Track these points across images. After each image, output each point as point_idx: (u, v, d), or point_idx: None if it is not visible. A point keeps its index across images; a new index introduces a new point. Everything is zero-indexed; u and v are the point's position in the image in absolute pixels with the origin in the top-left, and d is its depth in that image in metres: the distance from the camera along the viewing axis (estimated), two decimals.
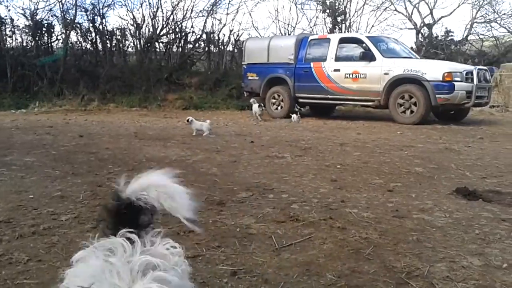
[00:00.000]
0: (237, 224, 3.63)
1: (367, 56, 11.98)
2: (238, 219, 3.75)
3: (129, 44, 20.91)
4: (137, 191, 1.40)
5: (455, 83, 10.79)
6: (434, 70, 11.17)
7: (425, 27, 22.76)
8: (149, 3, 20.50)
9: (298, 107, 13.89)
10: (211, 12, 20.63)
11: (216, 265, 2.87)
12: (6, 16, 18.50)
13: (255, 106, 12.85)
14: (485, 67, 12.41)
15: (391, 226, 3.59)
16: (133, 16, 20.11)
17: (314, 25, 22.64)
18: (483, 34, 23.01)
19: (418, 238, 3.34)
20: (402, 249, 3.13)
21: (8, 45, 18.45)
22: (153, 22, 19.86)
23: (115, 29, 20.17)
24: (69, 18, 18.89)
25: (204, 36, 20.78)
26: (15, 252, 2.98)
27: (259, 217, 3.82)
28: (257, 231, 3.49)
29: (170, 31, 20.33)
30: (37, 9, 18.60)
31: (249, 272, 2.78)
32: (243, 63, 15.23)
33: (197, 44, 21.12)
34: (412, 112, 11.24)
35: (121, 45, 20.52)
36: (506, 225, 3.61)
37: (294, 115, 12.10)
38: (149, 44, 19.86)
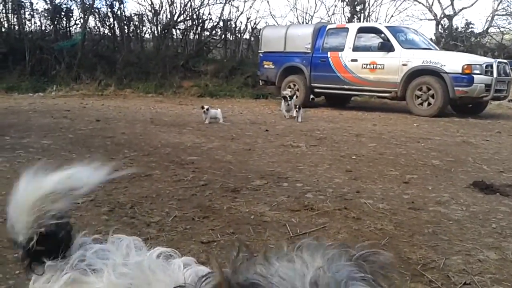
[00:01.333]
0: (252, 212, 3.63)
1: (386, 47, 11.84)
2: (252, 207, 3.76)
3: (146, 30, 20.97)
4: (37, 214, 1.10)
5: (474, 75, 10.62)
6: (453, 62, 11.00)
7: (445, 18, 22.41)
8: None
9: (312, 96, 13.69)
10: None
11: (230, 251, 2.87)
12: None
13: (283, 103, 10.73)
14: (505, 61, 12.18)
15: (406, 218, 3.57)
16: (151, 1, 20.08)
17: (333, 14, 22.57)
18: (504, 27, 22.63)
19: (434, 230, 3.31)
20: (418, 241, 3.11)
21: (27, 29, 18.59)
22: (170, 8, 19.86)
23: (133, 15, 20.23)
24: (87, 3, 18.96)
25: (221, 23, 20.73)
26: None
27: (273, 205, 3.82)
28: (271, 219, 3.49)
29: (187, 18, 20.29)
30: None
31: None
32: (259, 51, 15.17)
33: (214, 32, 21.07)
34: (429, 104, 11.10)
35: (138, 31, 20.56)
36: None
37: (295, 110, 10.15)
38: (166, 31, 19.86)
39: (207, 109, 9.13)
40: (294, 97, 11.21)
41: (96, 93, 15.38)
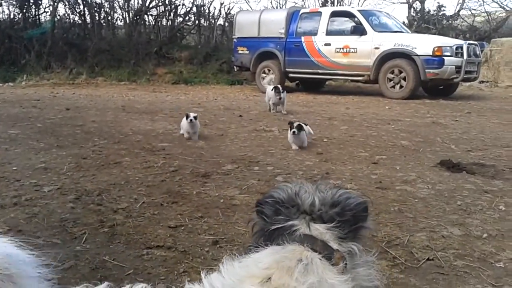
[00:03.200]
0: (221, 196, 3.63)
1: (358, 30, 11.88)
2: (222, 191, 3.75)
3: (117, 17, 20.59)
4: None
5: (445, 57, 10.76)
6: (424, 44, 11.11)
7: (417, 1, 22.57)
8: None
9: (298, 81, 13.48)
10: None
11: (198, 235, 2.88)
12: None
13: (271, 93, 8.65)
14: (475, 42, 12.37)
15: (373, 197, 3.61)
16: None
17: None
18: (475, 9, 22.92)
19: (400, 208, 3.37)
20: (384, 219, 3.16)
21: None
22: None
23: (103, 1, 19.79)
24: None
25: (194, 9, 20.48)
26: None
27: (243, 189, 3.82)
28: (241, 202, 3.49)
29: (160, 4, 19.97)
30: None
31: (231, 241, 2.80)
32: (233, 37, 15.06)
33: (187, 18, 20.80)
34: (401, 87, 11.21)
35: (109, 17, 20.17)
36: (488, 197, 3.64)
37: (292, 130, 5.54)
38: (138, 17, 19.52)
39: (195, 118, 6.08)
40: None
41: (67, 82, 15.09)
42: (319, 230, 1.13)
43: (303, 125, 5.61)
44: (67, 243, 2.70)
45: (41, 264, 1.05)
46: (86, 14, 19.32)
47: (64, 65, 16.23)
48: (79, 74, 15.85)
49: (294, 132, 5.54)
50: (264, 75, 13.54)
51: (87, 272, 2.37)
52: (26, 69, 15.94)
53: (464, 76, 11.09)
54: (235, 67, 15.16)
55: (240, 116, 8.09)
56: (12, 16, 18.62)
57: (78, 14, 19.41)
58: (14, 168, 4.30)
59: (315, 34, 12.76)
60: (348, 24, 12.38)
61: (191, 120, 6.10)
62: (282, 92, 8.51)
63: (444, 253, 2.67)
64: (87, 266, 2.43)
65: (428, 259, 2.59)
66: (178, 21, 20.51)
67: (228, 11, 21.08)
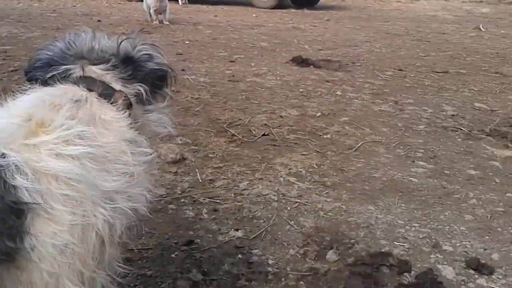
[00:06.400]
0: None
1: None
2: None
3: None
4: None
5: None
6: None
7: None
8: None
9: None
10: None
11: None
12: None
13: None
14: None
15: (224, 88, 3.71)
16: None
17: None
18: None
19: (247, 96, 3.51)
20: (230, 106, 3.28)
21: None
22: None
23: None
24: None
25: None
26: None
27: None
28: None
29: None
30: None
31: None
32: None
33: None
34: None
35: None
36: (329, 85, 3.93)
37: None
38: None
39: None
40: None
41: None
42: (97, 72, 1.11)
43: None
44: None
45: None
46: None
47: None
48: None
49: None
50: None
51: None
52: None
53: None
54: None
55: (99, 21, 7.58)
56: None
57: None
58: None
59: None
60: None
61: None
62: None
63: (279, 129, 2.87)
64: None
65: (263, 135, 2.77)
66: None
67: None
